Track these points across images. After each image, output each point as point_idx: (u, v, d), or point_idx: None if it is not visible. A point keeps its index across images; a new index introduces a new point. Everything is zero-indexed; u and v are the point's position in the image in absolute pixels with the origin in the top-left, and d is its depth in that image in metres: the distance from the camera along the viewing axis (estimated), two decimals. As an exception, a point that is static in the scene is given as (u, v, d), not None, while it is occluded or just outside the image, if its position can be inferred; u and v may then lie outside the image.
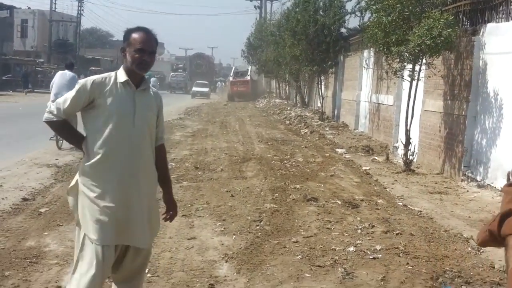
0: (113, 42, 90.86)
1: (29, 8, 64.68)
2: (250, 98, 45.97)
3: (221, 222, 7.02)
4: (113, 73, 3.74)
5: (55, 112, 3.67)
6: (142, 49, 3.65)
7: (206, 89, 57.84)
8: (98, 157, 3.61)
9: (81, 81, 3.68)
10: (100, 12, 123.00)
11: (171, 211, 4.01)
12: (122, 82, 3.69)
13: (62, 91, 12.53)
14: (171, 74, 73.03)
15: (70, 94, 3.66)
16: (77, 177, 3.73)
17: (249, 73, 49.86)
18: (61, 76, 13.64)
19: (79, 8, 63.86)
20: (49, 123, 3.76)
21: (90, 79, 3.69)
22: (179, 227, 6.69)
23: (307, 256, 5.70)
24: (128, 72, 3.71)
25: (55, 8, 61.99)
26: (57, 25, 62.55)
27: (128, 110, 3.68)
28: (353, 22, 21.87)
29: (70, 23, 65.39)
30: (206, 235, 6.45)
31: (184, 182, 9.56)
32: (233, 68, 59.49)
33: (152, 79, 39.35)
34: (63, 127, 3.82)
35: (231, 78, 49.35)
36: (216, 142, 15.55)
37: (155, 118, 3.84)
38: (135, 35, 3.69)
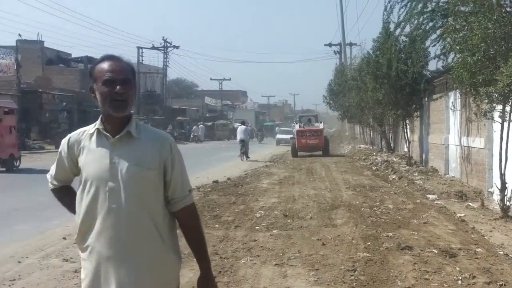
0: (198, 92, 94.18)
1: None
2: (324, 153, 32.35)
3: (314, 271, 6.94)
4: (93, 124, 2.95)
5: (48, 179, 3.16)
6: (111, 79, 2.73)
7: (289, 136, 58.01)
8: (78, 232, 2.91)
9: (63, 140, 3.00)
10: (184, 62, 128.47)
11: None
12: (91, 133, 2.88)
13: (241, 136, 29.87)
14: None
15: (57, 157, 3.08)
16: None
17: (320, 120, 36.54)
18: (240, 128, 30.03)
19: (165, 59, 66.50)
20: (52, 191, 3.19)
21: (68, 135, 2.99)
22: (272, 277, 6.68)
23: (407, 308, 5.52)
24: (104, 117, 2.83)
25: (142, 60, 64.04)
26: (144, 77, 64.52)
27: (102, 168, 2.80)
28: (436, 63, 21.46)
29: (156, 74, 67.83)
30: (300, 285, 6.39)
31: (274, 231, 9.58)
32: (298, 115, 46.82)
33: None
34: (62, 195, 3.15)
35: (296, 126, 34.37)
36: (303, 189, 15.51)
37: (154, 174, 2.82)
38: (100, 66, 2.81)
